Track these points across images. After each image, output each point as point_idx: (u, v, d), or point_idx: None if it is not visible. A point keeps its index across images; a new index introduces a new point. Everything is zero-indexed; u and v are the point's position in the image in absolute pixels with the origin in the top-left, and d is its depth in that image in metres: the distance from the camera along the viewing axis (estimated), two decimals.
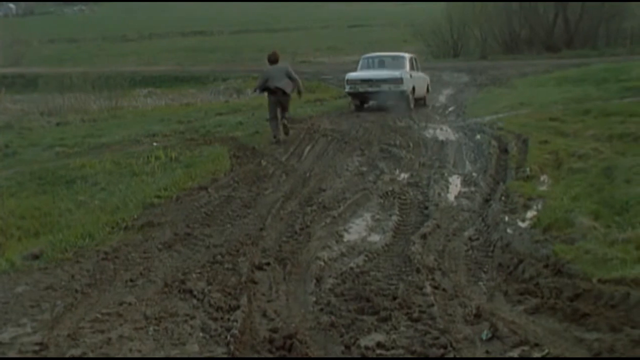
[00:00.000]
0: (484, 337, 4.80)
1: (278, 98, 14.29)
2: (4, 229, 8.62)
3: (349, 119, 17.55)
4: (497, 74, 29.86)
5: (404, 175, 10.65)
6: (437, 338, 4.79)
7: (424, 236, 7.31)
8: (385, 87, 18.96)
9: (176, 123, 17.96)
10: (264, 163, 11.92)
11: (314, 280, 6.11)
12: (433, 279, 6.03)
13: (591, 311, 4.98)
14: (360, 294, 5.70)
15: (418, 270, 6.20)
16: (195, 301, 5.69)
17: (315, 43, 54.72)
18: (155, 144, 14.32)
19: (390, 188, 9.65)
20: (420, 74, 21.14)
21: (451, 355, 4.58)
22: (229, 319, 5.24)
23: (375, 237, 7.55)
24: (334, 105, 21.70)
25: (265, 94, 14.63)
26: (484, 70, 32.54)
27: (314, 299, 5.71)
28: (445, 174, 10.52)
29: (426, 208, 8.63)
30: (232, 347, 4.76)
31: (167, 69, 42.38)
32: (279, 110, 14.37)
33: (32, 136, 17.26)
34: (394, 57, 20.76)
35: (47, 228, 8.44)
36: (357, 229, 7.89)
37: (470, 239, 7.35)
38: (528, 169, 10.07)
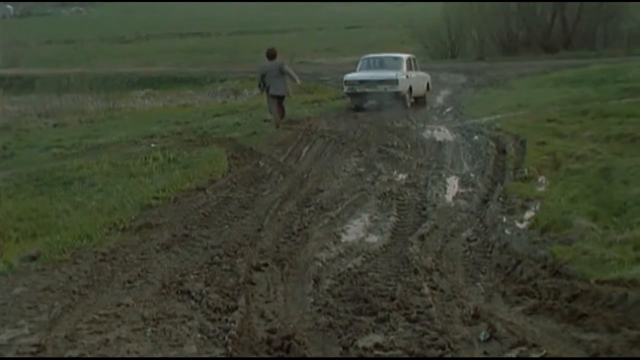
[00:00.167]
0: (482, 338, 4.80)
1: (274, 93, 15.99)
2: (2, 231, 8.61)
3: (346, 120, 17.56)
4: (494, 75, 29.88)
5: (401, 176, 10.65)
6: (435, 339, 4.79)
7: (421, 237, 7.31)
8: (381, 87, 19.37)
9: (174, 124, 17.95)
10: (261, 164, 11.92)
11: (312, 281, 6.11)
12: (431, 280, 6.03)
13: (589, 312, 4.99)
14: (358, 294, 5.69)
15: (416, 271, 6.20)
16: (193, 302, 5.69)
17: (313, 44, 54.76)
18: (152, 145, 14.31)
19: (388, 189, 9.65)
20: (420, 73, 21.54)
21: (449, 356, 4.58)
22: (226, 320, 5.23)
23: (373, 238, 7.55)
24: (331, 106, 21.70)
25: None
26: (481, 71, 32.56)
27: (312, 299, 5.71)
28: (443, 175, 10.53)
29: (424, 209, 8.63)
30: (230, 348, 4.75)
31: (165, 70, 42.36)
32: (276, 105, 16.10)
33: (30, 137, 17.24)
34: (391, 58, 21.21)
35: (44, 229, 8.43)
36: (355, 230, 7.88)
37: (468, 239, 7.35)
38: (526, 170, 10.08)
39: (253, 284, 6.10)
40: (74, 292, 6.04)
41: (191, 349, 4.83)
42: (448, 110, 19.90)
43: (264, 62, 16.19)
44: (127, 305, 5.63)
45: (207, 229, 8.04)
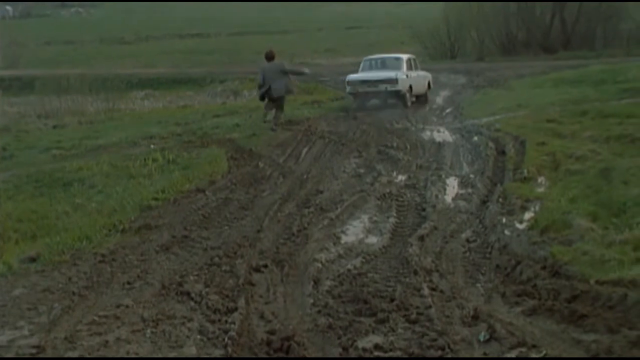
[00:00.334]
0: (482, 339, 4.80)
1: (273, 95, 16.21)
2: (1, 232, 8.61)
3: (346, 121, 17.56)
4: (494, 76, 29.86)
5: (401, 177, 10.65)
6: (434, 340, 4.79)
7: (421, 238, 7.31)
8: (382, 87, 20.03)
9: (173, 125, 17.94)
10: (261, 165, 11.92)
11: (312, 282, 6.11)
12: (431, 281, 6.03)
13: (589, 312, 4.99)
14: (358, 295, 5.70)
15: (415, 272, 6.20)
16: (192, 303, 5.69)
17: (313, 45, 54.71)
18: (152, 146, 14.30)
19: (388, 190, 9.66)
20: (420, 72, 22.20)
21: (449, 356, 4.58)
22: (226, 321, 5.23)
23: (372, 239, 7.55)
24: (331, 107, 21.71)
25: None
26: (481, 71, 32.54)
27: (312, 300, 5.71)
28: (443, 176, 10.53)
29: (423, 210, 8.63)
30: (229, 349, 4.76)
31: (165, 71, 42.32)
32: (274, 110, 16.37)
33: (29, 139, 17.23)
34: (392, 59, 21.92)
35: (44, 231, 8.43)
36: (354, 231, 7.89)
37: (467, 240, 7.35)
38: (525, 171, 10.07)
39: (253, 285, 6.10)
40: (73, 293, 6.05)
41: (191, 350, 4.83)
42: (447, 111, 19.91)
43: (264, 65, 16.65)
44: (127, 307, 5.63)
45: (207, 230, 8.05)
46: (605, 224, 7.03)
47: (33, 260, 7.11)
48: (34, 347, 4.92)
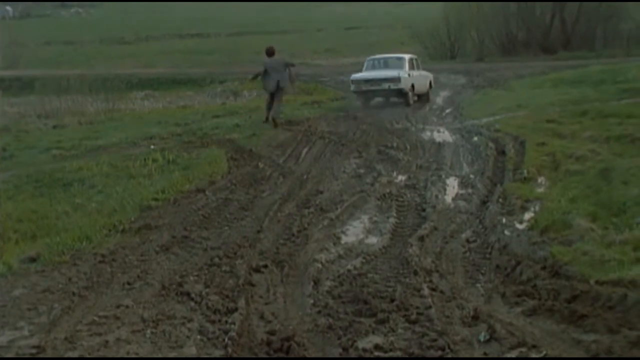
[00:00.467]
0: (482, 339, 4.80)
1: (273, 88, 16.92)
2: (1, 232, 8.60)
3: (346, 121, 17.57)
4: (494, 76, 29.88)
5: (401, 178, 10.65)
6: (434, 340, 4.79)
7: (421, 238, 7.31)
8: (385, 85, 20.94)
9: (173, 125, 17.93)
10: (261, 165, 11.92)
11: (312, 283, 6.11)
12: (431, 281, 6.03)
13: (589, 313, 4.99)
14: (358, 296, 5.70)
15: (415, 273, 6.20)
16: (192, 304, 5.69)
17: (313, 45, 54.71)
18: (152, 146, 14.30)
19: (388, 190, 9.66)
20: (422, 72, 23.03)
21: (449, 357, 4.58)
22: (226, 322, 5.23)
23: (372, 239, 7.55)
24: (331, 107, 21.74)
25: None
26: (480, 72, 32.55)
27: (312, 301, 5.71)
28: (443, 176, 10.53)
29: (423, 210, 8.63)
30: (229, 350, 4.76)
31: (164, 71, 42.32)
32: (273, 102, 17.02)
33: (29, 139, 17.22)
34: (395, 59, 22.85)
35: (44, 231, 8.42)
36: (354, 231, 7.89)
37: (467, 241, 7.35)
38: (525, 171, 10.08)
39: (253, 285, 6.10)
40: (73, 293, 6.04)
41: (191, 351, 4.83)
42: (447, 111, 19.94)
43: (265, 60, 17.34)
44: (127, 307, 5.63)
45: (207, 230, 8.05)
46: (605, 224, 7.03)
47: (33, 260, 7.11)
48: (34, 347, 4.92)
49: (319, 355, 4.74)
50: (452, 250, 7.02)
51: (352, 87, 21.68)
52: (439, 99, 23.48)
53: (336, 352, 4.76)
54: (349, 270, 6.42)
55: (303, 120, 17.76)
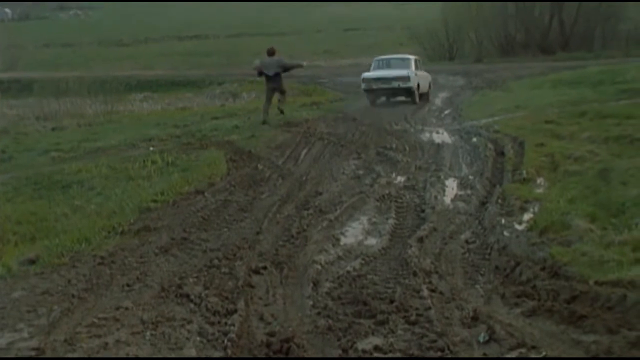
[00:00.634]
0: (481, 340, 4.80)
1: (272, 85, 18.12)
2: (0, 235, 8.59)
3: (345, 122, 17.59)
4: (492, 77, 29.92)
5: (400, 179, 10.65)
6: (434, 341, 4.79)
7: (420, 239, 7.30)
8: (395, 84, 22.17)
9: (172, 127, 17.95)
10: (260, 167, 11.92)
11: (311, 284, 6.11)
12: (430, 282, 6.02)
13: (588, 313, 4.99)
14: (357, 297, 5.69)
15: (415, 274, 6.20)
16: (192, 305, 5.68)
17: (312, 46, 54.77)
18: (151, 148, 14.30)
19: (387, 191, 9.65)
20: (423, 73, 23.88)
21: (448, 357, 4.57)
22: (226, 323, 5.23)
23: (372, 241, 7.55)
24: (330, 109, 21.76)
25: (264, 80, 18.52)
26: (479, 73, 32.60)
27: (311, 302, 5.70)
28: (442, 177, 10.53)
29: (423, 211, 8.63)
30: (229, 351, 4.76)
31: (163, 73, 42.36)
32: (274, 95, 18.29)
33: (28, 141, 17.22)
34: (401, 59, 24.04)
35: (43, 233, 8.42)
36: (353, 233, 7.88)
37: (467, 241, 7.35)
38: (524, 172, 10.08)
39: (252, 287, 6.10)
40: (73, 295, 6.04)
41: (190, 352, 4.83)
42: (446, 112, 19.96)
43: (265, 58, 18.30)
44: (126, 309, 5.62)
45: (206, 232, 8.04)
46: (604, 225, 7.03)
47: (32, 262, 7.10)
48: (33, 349, 4.91)
49: (319, 356, 4.73)
50: (451, 251, 7.02)
51: (363, 86, 22.63)
52: (438, 100, 23.54)
53: (336, 353, 4.76)
54: (348, 272, 6.42)
55: (302, 121, 17.77)
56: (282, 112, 18.26)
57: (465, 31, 45.63)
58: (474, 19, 44.30)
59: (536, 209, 8.18)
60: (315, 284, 6.11)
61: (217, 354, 4.78)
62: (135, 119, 22.41)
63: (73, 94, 26.33)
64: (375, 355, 4.69)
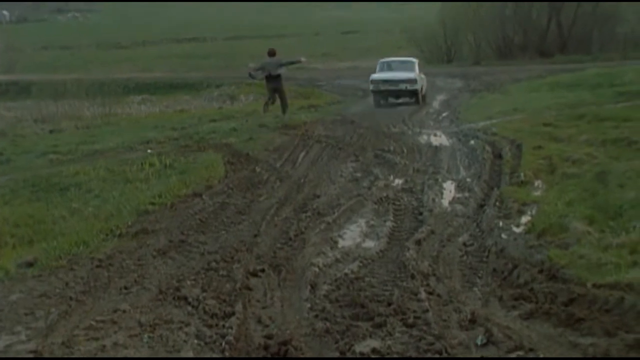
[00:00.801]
0: (479, 343, 4.80)
1: (273, 85, 19.33)
2: None
3: (343, 125, 17.57)
4: (490, 80, 29.95)
5: (398, 181, 10.65)
6: (432, 344, 4.79)
7: (418, 242, 7.31)
8: (402, 86, 23.12)
9: (170, 130, 17.93)
10: (258, 169, 11.91)
11: (309, 287, 6.11)
12: (428, 285, 6.03)
13: (586, 316, 4.99)
14: (355, 300, 5.69)
15: (413, 276, 6.20)
16: (190, 308, 5.68)
17: (310, 49, 54.69)
18: (149, 150, 14.28)
19: (385, 194, 9.65)
20: (422, 75, 24.51)
21: None
22: (223, 326, 5.23)
23: (369, 243, 7.55)
24: (328, 111, 21.76)
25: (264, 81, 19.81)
26: (477, 75, 32.64)
27: (309, 305, 5.70)
28: (440, 180, 10.53)
29: (420, 214, 8.63)
30: (227, 354, 4.76)
31: (161, 75, 42.36)
32: (275, 95, 19.55)
33: (26, 143, 17.20)
34: (405, 62, 25.18)
35: (41, 235, 8.41)
36: (351, 235, 7.89)
37: (464, 244, 7.35)
38: (522, 175, 10.08)
39: (250, 289, 6.10)
40: (70, 298, 6.03)
41: (188, 355, 4.83)
42: (444, 115, 19.98)
43: (266, 59, 19.55)
44: (124, 311, 5.62)
45: (204, 234, 8.04)
46: (601, 228, 7.04)
47: (30, 265, 7.09)
48: (31, 352, 4.92)
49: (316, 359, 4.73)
50: (449, 254, 7.02)
51: (371, 87, 23.49)
52: (436, 102, 23.59)
53: (333, 356, 4.76)
54: (346, 274, 6.42)
55: (300, 124, 17.73)
56: (265, 111, 19.51)
57: (463, 34, 45.67)
58: (472, 22, 44.35)
59: (534, 211, 8.18)
60: (313, 287, 6.11)
61: (214, 357, 4.78)
62: (133, 121, 22.40)
63: (71, 96, 26.32)
64: (373, 357, 4.69)
